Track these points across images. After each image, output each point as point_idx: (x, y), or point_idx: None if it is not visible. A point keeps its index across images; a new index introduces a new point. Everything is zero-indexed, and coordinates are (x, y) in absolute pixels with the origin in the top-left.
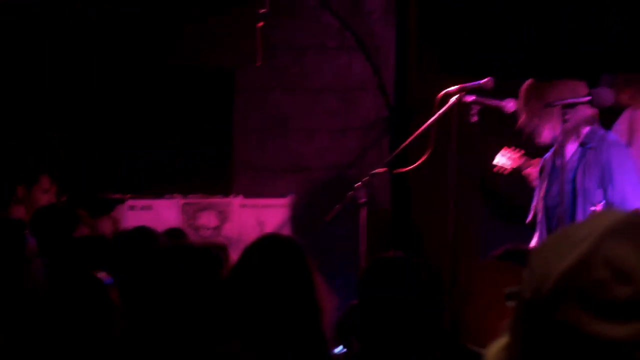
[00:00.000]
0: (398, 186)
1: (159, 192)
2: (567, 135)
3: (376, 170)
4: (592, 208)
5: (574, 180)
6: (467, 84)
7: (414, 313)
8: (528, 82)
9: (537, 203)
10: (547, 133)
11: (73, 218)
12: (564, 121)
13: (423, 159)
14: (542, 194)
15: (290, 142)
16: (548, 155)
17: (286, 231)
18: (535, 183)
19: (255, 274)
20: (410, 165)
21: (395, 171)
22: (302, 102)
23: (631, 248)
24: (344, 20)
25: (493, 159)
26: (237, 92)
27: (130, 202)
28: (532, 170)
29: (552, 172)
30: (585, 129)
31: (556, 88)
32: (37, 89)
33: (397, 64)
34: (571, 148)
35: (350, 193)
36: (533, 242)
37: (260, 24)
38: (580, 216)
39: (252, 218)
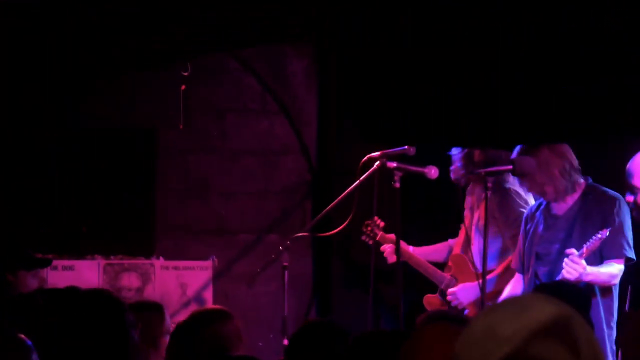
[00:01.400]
0: (320, 250)
1: (80, 252)
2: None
3: (299, 234)
4: (599, 234)
5: (572, 229)
6: (390, 150)
7: None
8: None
9: (527, 250)
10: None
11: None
12: (486, 189)
13: (345, 223)
14: (536, 240)
15: (212, 204)
16: (536, 206)
17: (208, 294)
18: (391, 260)
19: None
20: (332, 230)
21: (317, 235)
22: (223, 165)
23: (558, 346)
24: (266, 83)
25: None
26: (158, 153)
27: (53, 262)
28: (387, 247)
29: (548, 223)
30: (584, 184)
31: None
32: None
33: (319, 127)
34: (569, 200)
35: (272, 256)
36: (508, 288)
37: (183, 87)
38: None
39: (174, 280)
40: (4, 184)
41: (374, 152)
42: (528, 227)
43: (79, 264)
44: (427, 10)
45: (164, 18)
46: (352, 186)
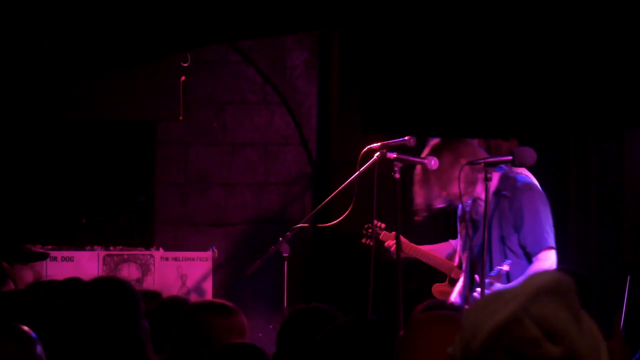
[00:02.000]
0: (320, 241)
1: (79, 243)
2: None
3: (299, 225)
4: (498, 268)
5: (490, 228)
6: (390, 141)
7: None
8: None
9: (460, 252)
10: (462, 187)
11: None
12: (487, 179)
13: (345, 214)
14: (461, 241)
15: (211, 196)
16: (468, 204)
17: (208, 285)
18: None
19: None
20: (332, 221)
21: (317, 226)
22: (223, 157)
23: (561, 308)
24: (266, 76)
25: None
26: (158, 145)
27: (51, 253)
28: (391, 243)
29: (472, 223)
30: (496, 175)
31: (467, 145)
32: None
33: (319, 119)
34: (481, 202)
35: (272, 247)
36: (456, 291)
37: (183, 78)
38: (498, 262)
39: (174, 271)
40: (4, 176)
41: (374, 143)
42: (460, 226)
43: (79, 254)
44: (430, 2)
45: (163, 8)
46: (351, 177)
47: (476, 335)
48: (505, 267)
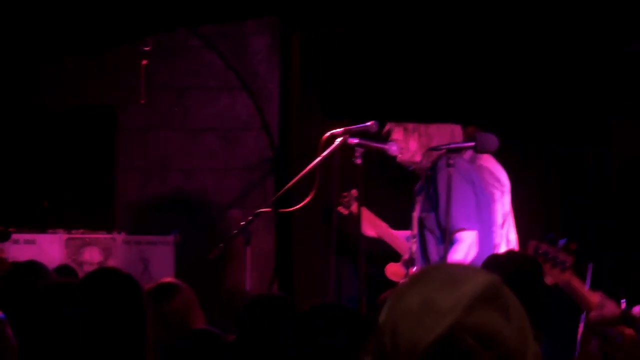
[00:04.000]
0: (282, 226)
1: (42, 226)
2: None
3: (260, 210)
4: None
5: (421, 210)
6: (352, 127)
7: (287, 350)
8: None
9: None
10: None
11: None
12: (448, 165)
13: (307, 199)
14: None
15: (173, 181)
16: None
17: (170, 268)
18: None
19: None
20: (294, 206)
21: (279, 211)
22: (183, 141)
23: (493, 313)
24: (228, 61)
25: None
26: (119, 129)
27: (13, 236)
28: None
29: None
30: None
31: (440, 129)
32: None
33: (281, 104)
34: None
35: (233, 232)
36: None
37: (144, 62)
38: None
39: (136, 254)
40: None
41: (337, 128)
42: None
43: (41, 237)
44: None
45: None
46: (313, 162)
47: (415, 351)
48: (413, 247)
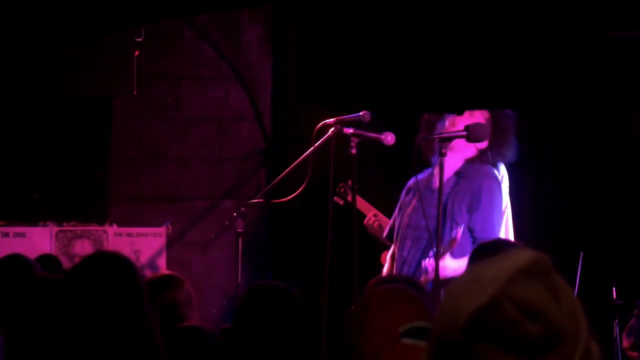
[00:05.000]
0: (275, 216)
1: (32, 219)
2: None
3: (253, 201)
4: (453, 233)
5: (445, 206)
6: (345, 117)
7: (286, 341)
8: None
9: (399, 220)
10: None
11: None
12: (441, 154)
13: (300, 190)
14: (409, 211)
15: (166, 172)
16: (421, 177)
17: (162, 260)
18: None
19: None
20: (287, 196)
21: (272, 201)
22: (177, 132)
23: (539, 288)
24: (221, 51)
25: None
26: (113, 120)
27: (3, 229)
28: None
29: (424, 196)
30: (461, 162)
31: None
32: None
33: (274, 95)
34: (446, 176)
35: (227, 223)
36: (387, 256)
37: (137, 52)
38: (446, 238)
39: (127, 246)
40: None
41: (330, 118)
42: (407, 197)
43: (31, 230)
44: None
45: None
46: (306, 153)
47: (457, 320)
48: (460, 233)
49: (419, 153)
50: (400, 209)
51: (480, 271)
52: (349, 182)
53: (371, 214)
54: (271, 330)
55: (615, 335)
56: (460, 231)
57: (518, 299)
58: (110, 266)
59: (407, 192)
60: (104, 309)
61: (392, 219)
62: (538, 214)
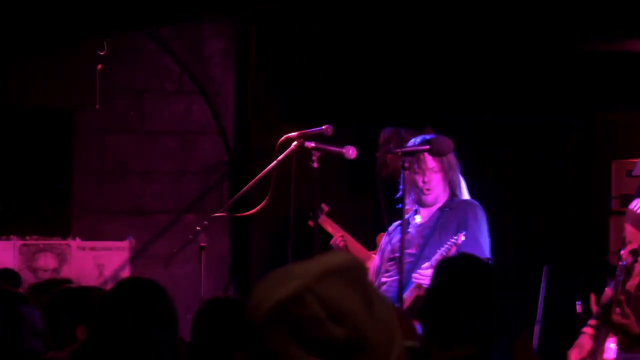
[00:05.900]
0: (237, 230)
1: None
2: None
3: (216, 214)
4: (453, 239)
5: (427, 237)
6: (307, 130)
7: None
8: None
9: (376, 266)
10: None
11: None
12: (403, 168)
13: (263, 203)
14: (385, 252)
15: (129, 185)
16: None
17: (126, 274)
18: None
19: None
20: (250, 210)
21: (235, 215)
22: (140, 145)
23: (348, 291)
24: (184, 64)
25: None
26: (75, 133)
27: None
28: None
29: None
30: (445, 196)
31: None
32: None
33: (236, 108)
34: (428, 211)
35: (190, 237)
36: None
37: (100, 66)
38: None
39: (91, 260)
40: None
41: (292, 132)
42: (389, 238)
43: None
44: None
45: None
46: (269, 166)
47: (259, 309)
48: (462, 238)
49: (380, 168)
50: (381, 253)
51: (295, 267)
52: (323, 206)
53: (338, 235)
54: (228, 345)
55: None
56: (463, 236)
57: (324, 297)
58: (145, 293)
59: (390, 235)
60: (137, 336)
61: (372, 265)
62: (502, 230)
